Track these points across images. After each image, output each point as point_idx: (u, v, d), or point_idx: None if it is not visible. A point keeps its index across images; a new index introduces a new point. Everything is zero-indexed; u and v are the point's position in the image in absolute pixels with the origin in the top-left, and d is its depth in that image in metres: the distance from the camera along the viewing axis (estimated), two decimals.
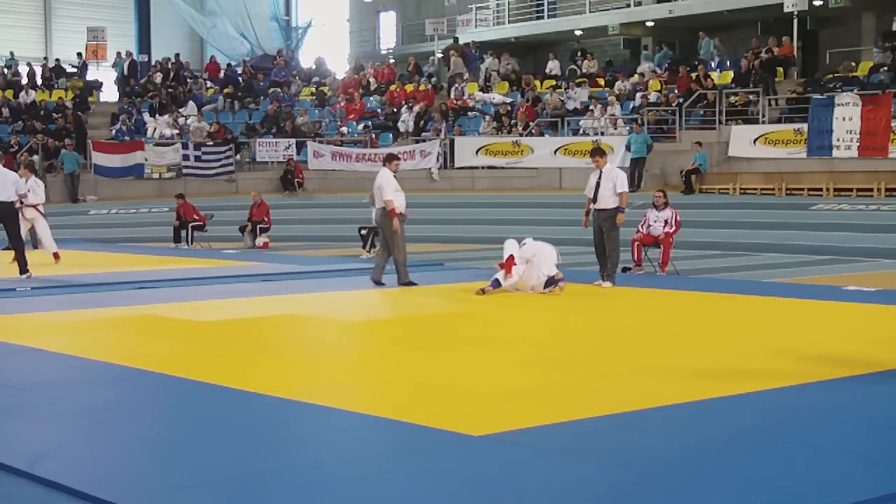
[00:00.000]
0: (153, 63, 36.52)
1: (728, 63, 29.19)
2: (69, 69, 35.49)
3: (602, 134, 26.55)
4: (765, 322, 10.85)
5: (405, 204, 14.19)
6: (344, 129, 31.09)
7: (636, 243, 15.86)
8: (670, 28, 32.54)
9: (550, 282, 13.02)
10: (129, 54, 35.74)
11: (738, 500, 4.83)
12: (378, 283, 14.12)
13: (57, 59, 36.09)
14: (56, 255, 17.65)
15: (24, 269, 14.92)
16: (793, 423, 6.37)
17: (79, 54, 35.83)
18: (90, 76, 35.76)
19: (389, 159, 14.48)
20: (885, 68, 24.75)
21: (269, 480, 5.17)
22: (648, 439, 5.95)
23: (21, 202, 15.86)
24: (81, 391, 7.58)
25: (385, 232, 14.09)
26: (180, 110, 32.05)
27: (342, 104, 32.23)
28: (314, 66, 37.16)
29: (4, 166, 16.33)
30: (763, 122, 24.96)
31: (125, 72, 35.03)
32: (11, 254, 15.61)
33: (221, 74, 35.76)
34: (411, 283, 14.03)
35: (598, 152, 14.33)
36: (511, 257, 13.06)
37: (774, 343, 9.42)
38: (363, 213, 20.93)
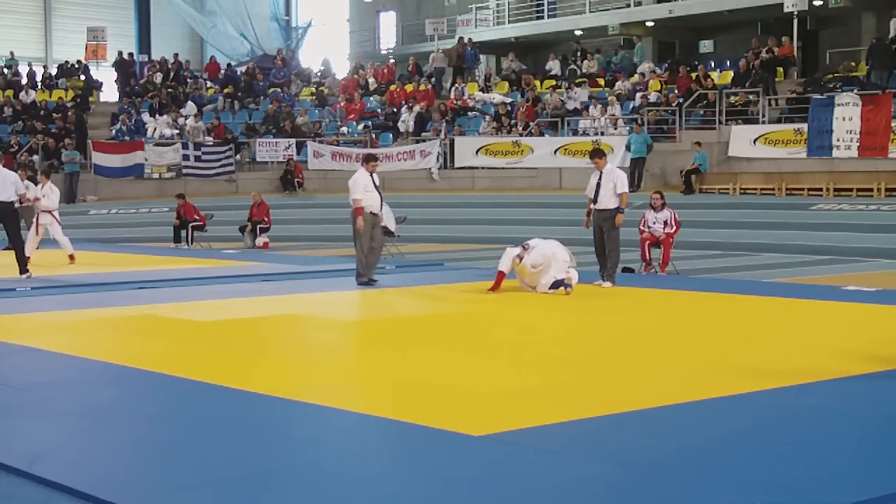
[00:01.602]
0: (150, 62, 36.47)
1: (728, 63, 29.22)
2: (79, 67, 35.45)
3: (602, 134, 26.55)
4: (765, 322, 10.85)
5: (379, 205, 14.22)
6: (344, 129, 31.09)
7: (646, 243, 15.78)
8: (670, 28, 32.54)
9: (557, 284, 13.03)
10: (119, 54, 35.57)
11: (738, 500, 4.83)
12: (370, 281, 14.19)
13: (75, 64, 35.89)
14: (72, 257, 17.76)
15: (23, 268, 14.92)
16: (793, 423, 6.37)
17: (79, 61, 35.82)
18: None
19: (367, 160, 14.48)
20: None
21: (269, 480, 5.17)
22: (648, 439, 5.95)
23: (21, 202, 15.89)
24: (81, 391, 7.58)
25: (353, 230, 14.14)
26: (180, 111, 32.05)
27: (342, 104, 32.23)
28: (322, 68, 37.14)
29: (4, 166, 16.36)
30: (763, 122, 24.96)
31: (117, 71, 35.00)
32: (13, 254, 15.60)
33: (221, 74, 35.75)
34: (372, 282, 14.11)
35: (597, 153, 14.34)
36: (501, 273, 13.06)
37: (774, 343, 9.43)
38: None
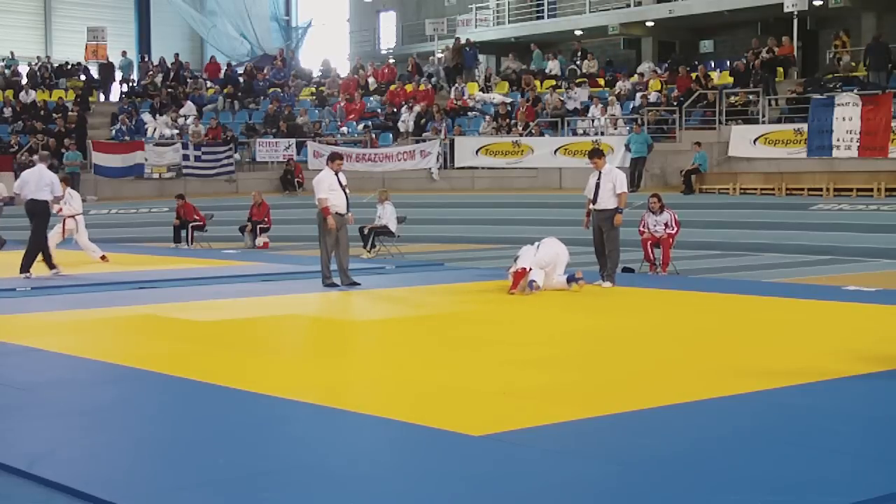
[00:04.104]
0: (143, 62, 36.43)
1: (728, 63, 29.22)
2: (79, 67, 35.38)
3: (602, 134, 26.56)
4: (765, 322, 10.84)
5: (345, 205, 13.88)
6: (344, 129, 31.09)
7: (648, 242, 15.77)
8: (670, 28, 32.54)
9: (572, 278, 13.23)
10: (105, 57, 35.39)
11: (738, 501, 4.83)
12: (346, 284, 13.92)
13: (76, 65, 35.71)
14: (104, 258, 17.92)
15: (26, 269, 15.02)
16: (793, 423, 6.37)
17: (79, 63, 35.77)
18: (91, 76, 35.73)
19: (331, 158, 14.23)
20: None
21: (269, 480, 5.17)
22: (649, 439, 5.95)
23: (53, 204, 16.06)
24: (81, 391, 7.58)
25: (318, 230, 13.89)
26: (180, 112, 32.03)
27: (342, 104, 32.24)
28: (322, 69, 37.15)
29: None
30: (763, 122, 24.95)
31: (100, 75, 34.96)
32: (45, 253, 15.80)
33: (221, 74, 35.75)
34: (333, 286, 13.86)
35: (596, 154, 14.35)
36: (522, 270, 13.02)
37: (774, 343, 9.43)
38: (363, 213, 20.93)
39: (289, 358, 9.11)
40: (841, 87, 24.37)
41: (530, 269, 13.00)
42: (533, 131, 27.76)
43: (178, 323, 10.92)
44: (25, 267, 15.03)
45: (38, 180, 15.21)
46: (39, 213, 15.30)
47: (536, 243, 13.51)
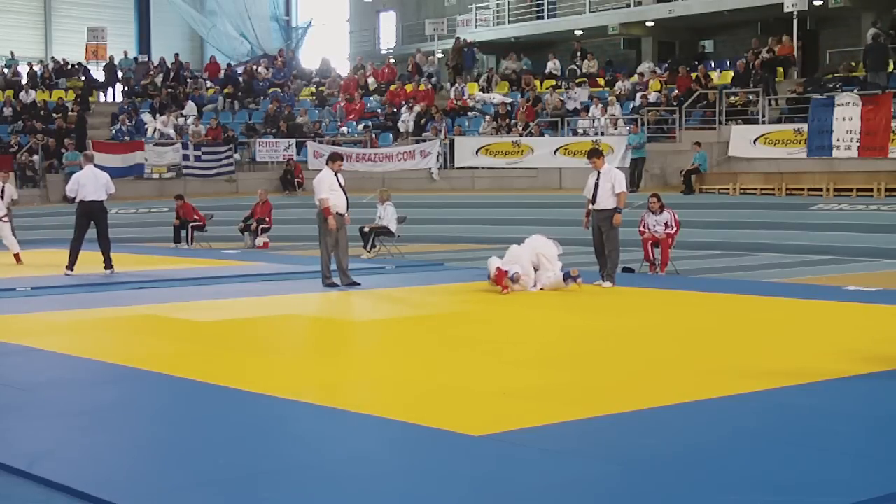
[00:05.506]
0: (145, 63, 36.46)
1: (728, 63, 29.23)
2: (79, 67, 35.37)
3: (602, 134, 26.56)
4: (765, 322, 10.84)
5: (346, 204, 13.92)
6: (344, 129, 31.09)
7: (648, 243, 15.77)
8: (670, 28, 32.54)
9: (568, 276, 13.27)
10: (111, 58, 35.36)
11: (739, 501, 4.83)
12: (345, 284, 13.92)
13: (76, 66, 35.65)
14: (17, 257, 18.20)
15: (108, 264, 15.93)
16: (793, 423, 6.37)
17: (79, 63, 35.76)
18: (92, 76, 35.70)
19: (332, 159, 14.22)
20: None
21: (269, 480, 5.17)
22: (649, 439, 5.95)
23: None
24: (81, 391, 7.58)
25: (319, 230, 13.90)
26: (181, 112, 32.02)
27: (342, 104, 32.24)
28: (317, 68, 37.15)
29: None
30: (763, 122, 24.95)
31: (106, 74, 34.99)
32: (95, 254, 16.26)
33: (221, 74, 35.73)
34: (333, 286, 13.87)
35: (595, 153, 14.36)
36: (499, 270, 13.05)
37: (775, 343, 9.43)
38: (363, 213, 20.93)
39: (289, 358, 9.11)
40: (841, 87, 24.36)
41: (506, 270, 13.06)
42: (533, 131, 27.75)
43: (178, 323, 10.92)
44: (109, 264, 15.94)
45: (95, 181, 15.86)
46: (99, 212, 15.98)
47: (524, 243, 13.60)
